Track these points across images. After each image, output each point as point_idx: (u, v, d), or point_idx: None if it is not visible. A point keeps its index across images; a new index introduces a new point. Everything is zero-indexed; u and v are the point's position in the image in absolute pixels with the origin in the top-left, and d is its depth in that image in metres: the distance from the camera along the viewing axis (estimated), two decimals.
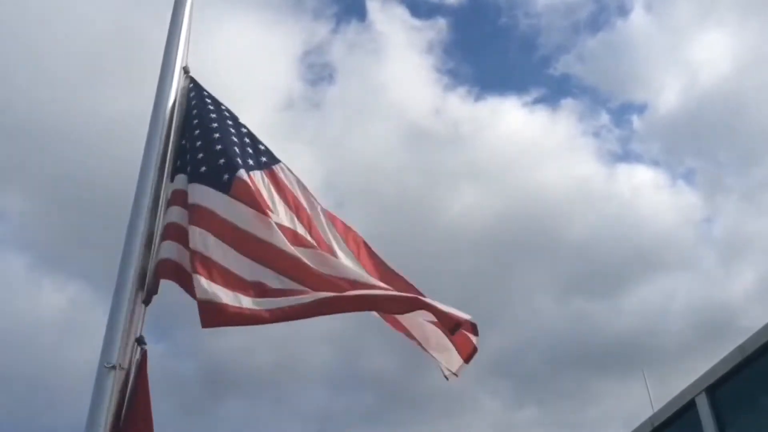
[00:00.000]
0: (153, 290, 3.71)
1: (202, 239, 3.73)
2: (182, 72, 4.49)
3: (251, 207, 3.86)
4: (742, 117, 36.52)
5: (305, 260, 3.72)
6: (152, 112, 4.22)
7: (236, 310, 3.46)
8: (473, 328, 3.68)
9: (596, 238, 35.37)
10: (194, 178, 4.00)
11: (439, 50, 41.91)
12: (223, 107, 4.50)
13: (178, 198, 3.99)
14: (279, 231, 3.80)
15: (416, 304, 3.52)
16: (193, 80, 4.57)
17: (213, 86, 4.59)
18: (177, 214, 3.92)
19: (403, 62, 39.07)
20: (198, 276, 3.57)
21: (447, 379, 3.93)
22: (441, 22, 39.32)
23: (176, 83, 4.39)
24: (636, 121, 41.89)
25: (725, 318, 31.45)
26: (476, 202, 36.31)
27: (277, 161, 4.32)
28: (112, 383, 3.31)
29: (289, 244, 3.77)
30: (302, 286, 3.61)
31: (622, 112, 43.13)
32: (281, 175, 4.25)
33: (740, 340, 7.14)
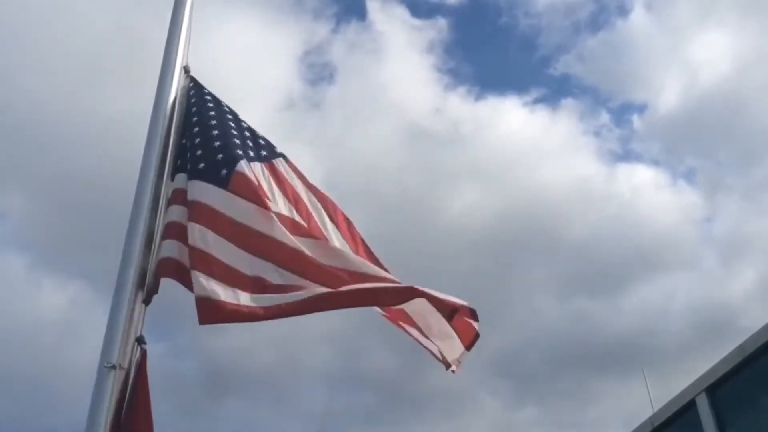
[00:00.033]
0: (154, 290, 3.71)
1: (201, 235, 3.73)
2: (182, 71, 4.50)
3: (250, 201, 3.85)
4: (742, 117, 36.54)
5: (305, 251, 3.72)
6: (152, 112, 4.22)
7: (234, 307, 3.46)
8: (472, 314, 3.67)
9: (596, 238, 35.38)
10: (193, 175, 4.01)
11: (440, 50, 41.96)
12: (224, 104, 4.50)
13: (179, 197, 3.99)
14: (279, 223, 3.80)
15: (413, 293, 3.51)
16: (193, 79, 4.57)
17: (213, 86, 4.60)
18: (177, 212, 3.92)
19: (403, 62, 39.10)
20: (196, 272, 3.58)
21: (453, 371, 3.91)
22: (441, 22, 39.33)
23: (176, 83, 4.39)
24: (636, 120, 41.92)
25: (725, 318, 31.46)
26: (476, 202, 36.31)
27: (277, 156, 4.31)
28: (112, 383, 3.31)
29: (289, 234, 3.77)
30: (303, 279, 3.61)
31: (623, 112, 43.16)
32: (281, 168, 4.24)
33: (740, 340, 7.13)
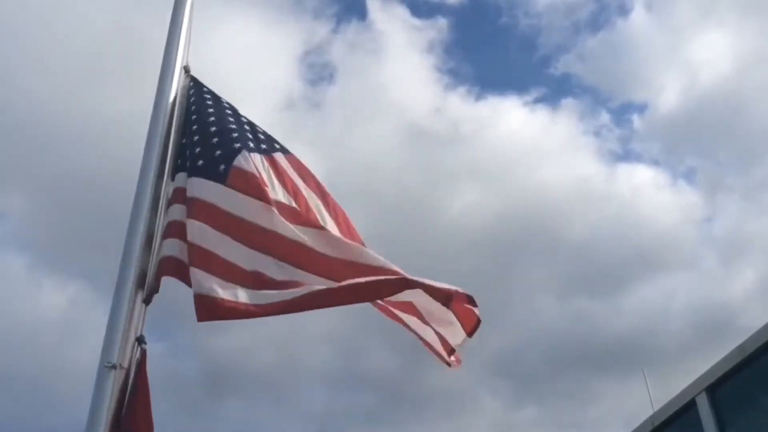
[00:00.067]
0: (154, 289, 3.71)
1: (199, 231, 3.73)
2: (182, 71, 4.49)
3: (249, 195, 3.84)
4: (742, 117, 36.55)
5: (306, 242, 3.70)
6: (152, 112, 4.22)
7: (231, 304, 3.46)
8: (470, 301, 3.65)
9: (596, 238, 35.38)
10: (192, 172, 4.00)
11: (440, 50, 41.96)
12: (223, 100, 4.49)
13: (179, 196, 3.99)
14: (279, 214, 3.78)
15: (407, 284, 3.50)
16: (193, 79, 4.56)
17: (213, 86, 4.59)
18: (178, 211, 3.92)
19: (403, 62, 39.11)
20: (195, 269, 3.58)
21: (449, 365, 3.91)
22: (441, 22, 39.37)
23: (176, 83, 4.39)
24: (636, 120, 41.96)
25: (725, 318, 31.46)
26: (476, 202, 36.32)
27: (276, 149, 4.30)
28: (113, 383, 3.31)
29: (289, 224, 3.75)
30: (303, 272, 3.61)
31: (623, 112, 43.20)
32: (281, 162, 4.24)
33: (740, 340, 7.14)
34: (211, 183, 3.91)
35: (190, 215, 3.82)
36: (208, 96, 4.45)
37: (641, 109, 42.65)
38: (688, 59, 39.50)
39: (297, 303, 3.45)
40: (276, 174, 4.12)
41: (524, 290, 35.76)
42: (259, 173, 3.97)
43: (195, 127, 4.23)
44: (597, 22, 41.26)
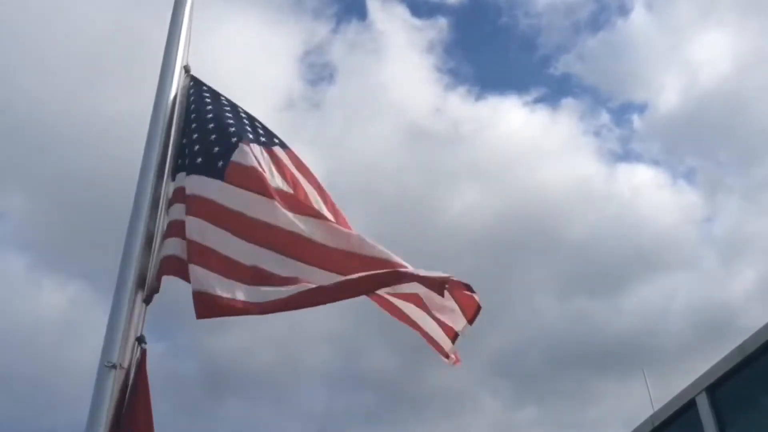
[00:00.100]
0: (154, 289, 3.71)
1: (198, 228, 3.72)
2: (183, 71, 4.49)
3: (248, 189, 3.83)
4: (742, 117, 36.55)
5: (305, 233, 3.68)
6: (152, 112, 4.22)
7: (230, 301, 3.46)
8: (468, 287, 3.60)
9: (596, 238, 35.38)
10: (191, 170, 4.00)
11: (440, 50, 41.96)
12: (222, 97, 4.48)
13: (179, 195, 3.99)
14: (279, 205, 3.76)
15: (401, 278, 3.48)
16: (193, 78, 4.56)
17: (213, 86, 4.59)
18: (178, 210, 3.92)
19: (403, 62, 39.11)
20: (194, 266, 3.57)
21: (448, 358, 3.89)
22: (441, 22, 39.37)
23: (176, 83, 4.39)
24: (636, 120, 41.96)
25: (725, 318, 31.45)
26: (476, 202, 36.30)
27: (275, 143, 4.29)
28: (113, 383, 3.31)
29: (288, 214, 3.73)
30: (304, 264, 3.60)
31: (623, 112, 43.21)
32: (280, 155, 4.22)
33: (740, 340, 7.14)
34: (209, 179, 3.90)
35: (188, 212, 3.82)
36: (207, 94, 4.44)
37: (641, 109, 42.70)
38: (688, 59, 39.55)
39: (294, 300, 3.44)
40: (275, 165, 4.10)
41: (524, 290, 35.78)
42: (259, 163, 3.95)
43: (194, 125, 4.23)
44: (597, 22, 41.32)
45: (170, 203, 4.02)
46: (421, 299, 3.81)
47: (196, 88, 4.49)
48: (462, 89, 42.42)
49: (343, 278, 3.53)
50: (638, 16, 40.49)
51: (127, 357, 3.42)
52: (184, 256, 3.72)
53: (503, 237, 35.35)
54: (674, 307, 33.78)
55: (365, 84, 38.58)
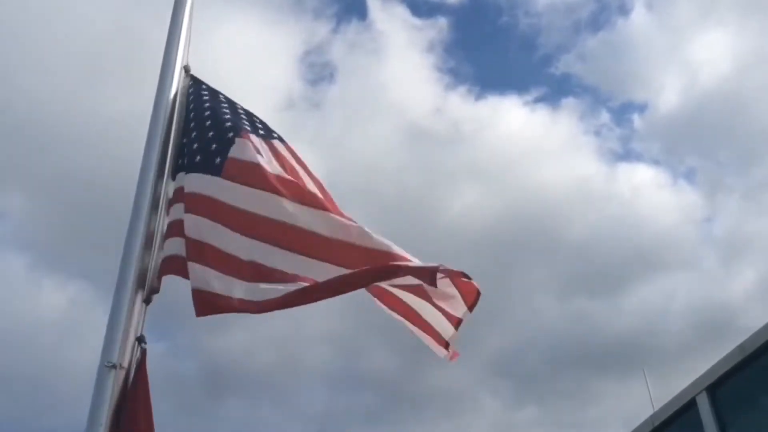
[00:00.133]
0: (154, 289, 3.71)
1: (196, 225, 3.72)
2: (183, 71, 4.49)
3: (247, 185, 3.81)
4: (742, 117, 36.55)
5: (304, 224, 3.66)
6: (152, 112, 4.22)
7: (228, 299, 3.46)
8: (464, 275, 3.53)
9: (596, 238, 35.38)
10: (190, 168, 4.00)
11: (440, 49, 41.91)
12: (221, 95, 4.47)
13: (179, 195, 3.99)
14: (278, 199, 3.73)
15: (392, 273, 3.46)
16: (193, 78, 4.56)
17: (213, 86, 4.59)
18: (179, 210, 3.92)
19: (403, 62, 39.11)
20: (193, 263, 3.57)
21: (446, 350, 3.88)
22: (441, 22, 39.37)
23: (176, 83, 4.39)
24: (637, 120, 41.97)
25: (725, 318, 31.44)
26: (476, 202, 36.30)
27: (273, 137, 4.28)
28: (113, 383, 3.31)
29: (288, 205, 3.71)
30: (304, 257, 3.58)
31: (623, 112, 43.17)
32: (279, 148, 4.21)
33: (740, 340, 7.13)
34: (207, 177, 3.89)
35: (187, 210, 3.82)
36: (206, 93, 4.44)
37: (641, 108, 42.68)
38: (688, 59, 39.55)
39: (292, 298, 3.42)
40: (276, 157, 4.08)
41: (524, 290, 35.75)
42: (258, 151, 3.94)
43: (193, 124, 4.23)
44: (597, 22, 41.32)
45: (171, 203, 4.02)
46: (423, 288, 3.74)
47: (195, 87, 4.49)
48: (462, 89, 42.42)
49: (341, 273, 3.51)
50: (638, 16, 40.54)
51: (127, 357, 3.42)
52: (183, 254, 3.72)
53: (503, 237, 35.37)
54: (674, 307, 33.81)
55: (365, 84, 38.62)
